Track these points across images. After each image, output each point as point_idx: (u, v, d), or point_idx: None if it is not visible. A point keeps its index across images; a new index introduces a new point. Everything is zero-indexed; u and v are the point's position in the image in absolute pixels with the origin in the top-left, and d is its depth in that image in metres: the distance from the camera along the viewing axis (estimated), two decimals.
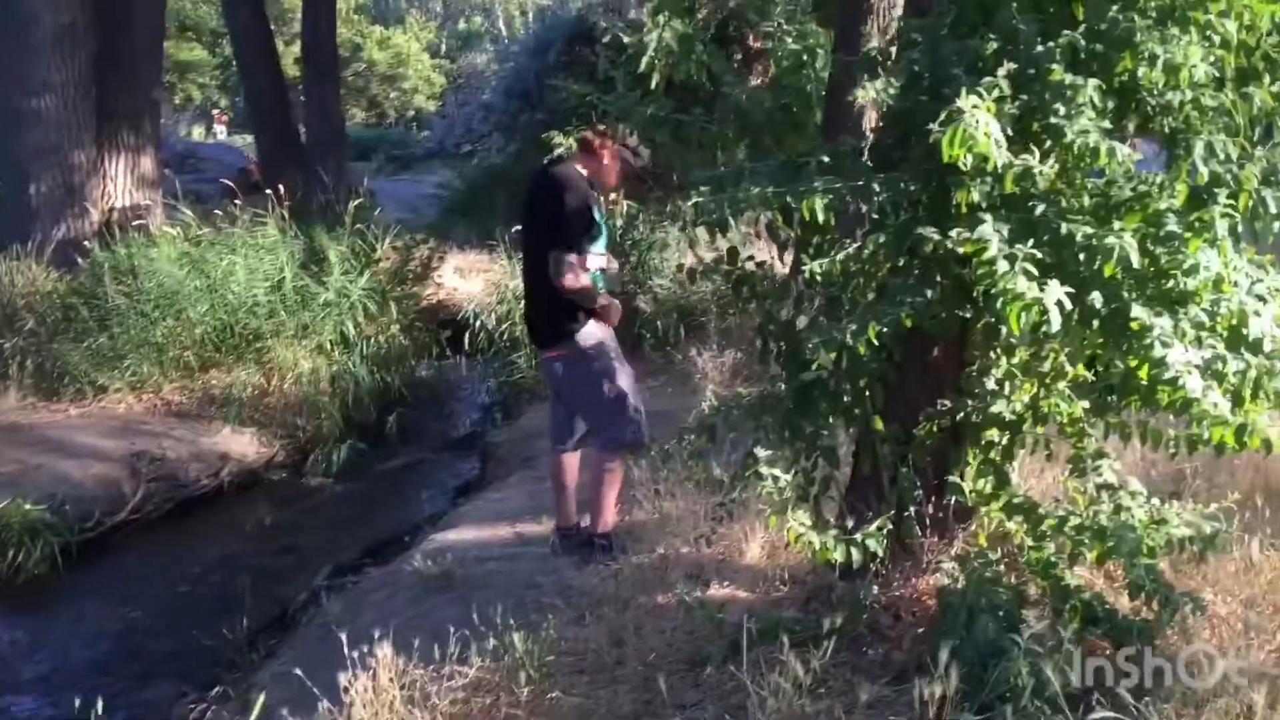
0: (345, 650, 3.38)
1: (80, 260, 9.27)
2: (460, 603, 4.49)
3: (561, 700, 3.57)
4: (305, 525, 7.20)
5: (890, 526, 3.61)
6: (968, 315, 3.44)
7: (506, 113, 16.23)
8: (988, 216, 2.98)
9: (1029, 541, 3.60)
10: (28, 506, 6.52)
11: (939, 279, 3.22)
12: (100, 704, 2.94)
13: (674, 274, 9.21)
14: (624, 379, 4.90)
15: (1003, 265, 2.83)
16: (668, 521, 5.14)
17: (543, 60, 15.39)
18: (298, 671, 3.48)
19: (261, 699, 2.93)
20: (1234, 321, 2.99)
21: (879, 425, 3.68)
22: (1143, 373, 3.02)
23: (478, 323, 9.64)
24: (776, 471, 3.43)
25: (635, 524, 5.23)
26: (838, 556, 3.46)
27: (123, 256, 8.99)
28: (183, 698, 4.63)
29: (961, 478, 3.70)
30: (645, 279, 9.08)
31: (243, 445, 8.27)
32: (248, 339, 8.90)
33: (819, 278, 3.32)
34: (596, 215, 4.80)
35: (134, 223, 9.82)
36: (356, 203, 10.42)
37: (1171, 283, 3.01)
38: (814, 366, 3.52)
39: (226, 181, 10.58)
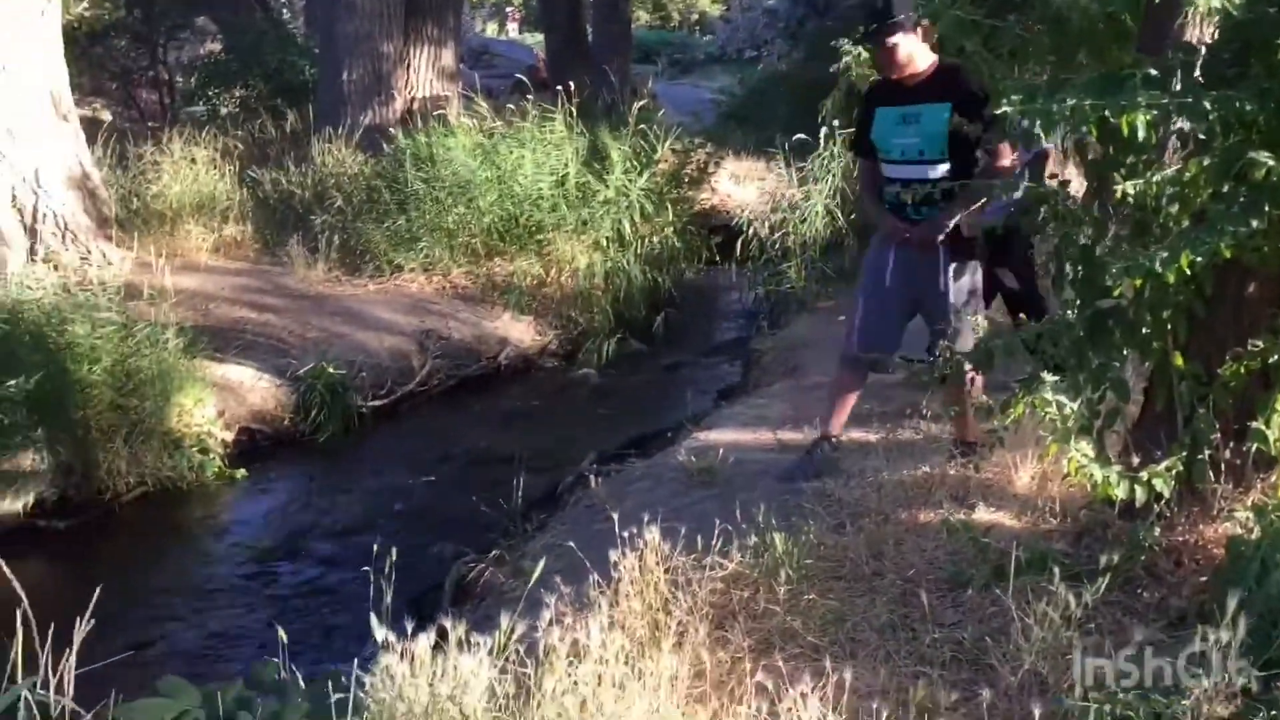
0: (615, 530, 3.54)
1: (384, 145, 9.89)
2: (721, 499, 4.60)
3: (818, 603, 3.62)
4: (573, 412, 7.53)
5: (1180, 468, 3.41)
6: None
7: (792, 18, 15.96)
8: None
9: None
10: (331, 370, 7.12)
11: (1267, 208, 2.97)
12: (394, 552, 3.20)
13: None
14: (860, 293, 4.93)
15: None
16: (934, 442, 5.08)
17: None
18: (571, 544, 3.68)
19: (541, 565, 3.10)
20: None
21: (1179, 361, 3.46)
22: None
23: (750, 230, 9.65)
24: (1062, 398, 3.30)
25: (901, 442, 5.18)
26: (1119, 493, 3.31)
27: (422, 144, 9.50)
28: (462, 556, 5.00)
29: (1267, 425, 3.45)
30: None
31: (520, 332, 8.70)
32: (530, 230, 9.29)
33: (1131, 200, 3.13)
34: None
35: (434, 112, 10.35)
36: (640, 104, 10.56)
37: None
38: (1114, 294, 3.35)
39: (520, 76, 10.94)
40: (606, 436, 6.77)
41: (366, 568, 3.32)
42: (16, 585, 2.24)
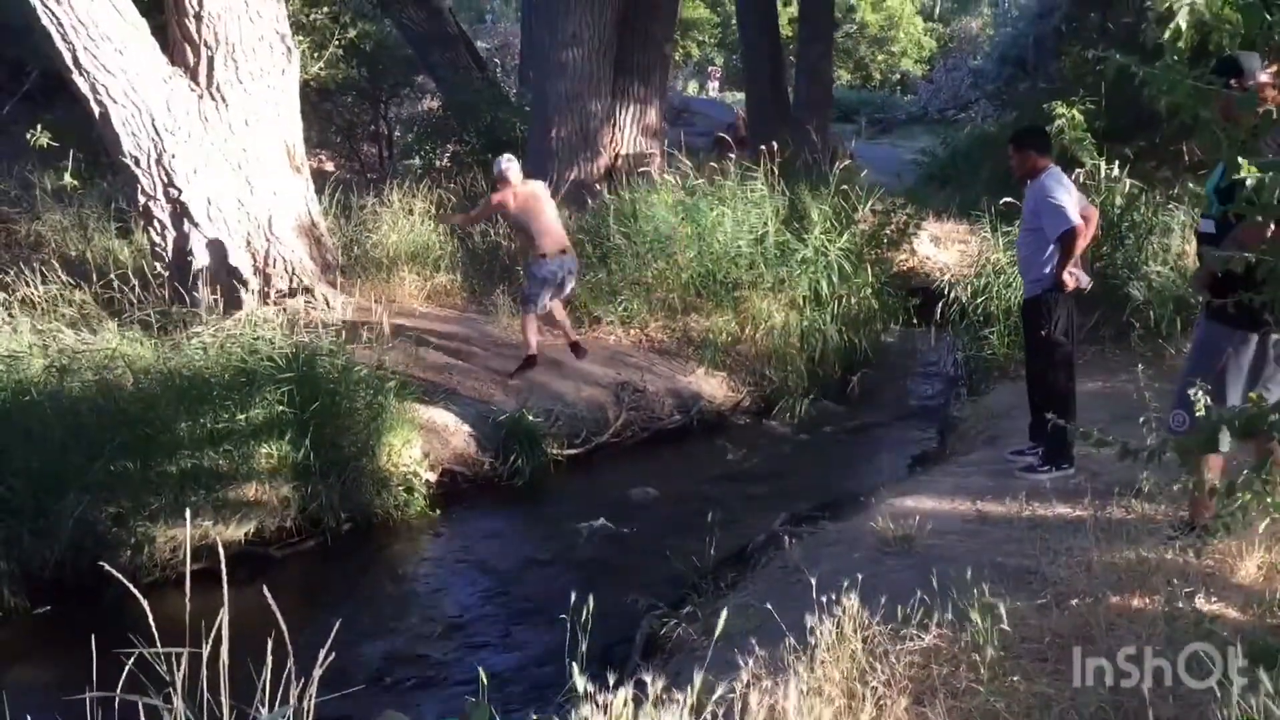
0: (809, 593, 3.51)
1: (589, 200, 10.17)
2: (919, 569, 4.49)
3: (1019, 684, 3.49)
4: (765, 471, 7.49)
5: None
6: None
7: (999, 79, 15.67)
8: None
9: None
10: (530, 417, 7.33)
11: None
12: (591, 604, 3.25)
13: (1175, 261, 8.54)
14: None
15: None
16: (1148, 522, 4.83)
17: (1044, 25, 14.66)
18: (766, 605, 3.66)
19: (723, 619, 3.10)
20: None
21: None
22: None
23: (951, 294, 9.47)
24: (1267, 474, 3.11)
25: (1113, 520, 4.95)
26: None
27: (626, 200, 9.73)
28: (654, 610, 5.03)
29: None
30: (1141, 264, 8.46)
31: (713, 387, 8.75)
32: (727, 287, 9.36)
33: None
34: None
35: (638, 169, 10.59)
36: (843, 164, 10.55)
37: None
38: None
39: (722, 135, 11.09)
40: (799, 496, 6.72)
41: (563, 615, 3.39)
42: (278, 614, 2.38)
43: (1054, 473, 5.87)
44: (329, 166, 15.40)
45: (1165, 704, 3.31)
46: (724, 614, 3.31)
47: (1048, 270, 5.87)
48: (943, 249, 12.31)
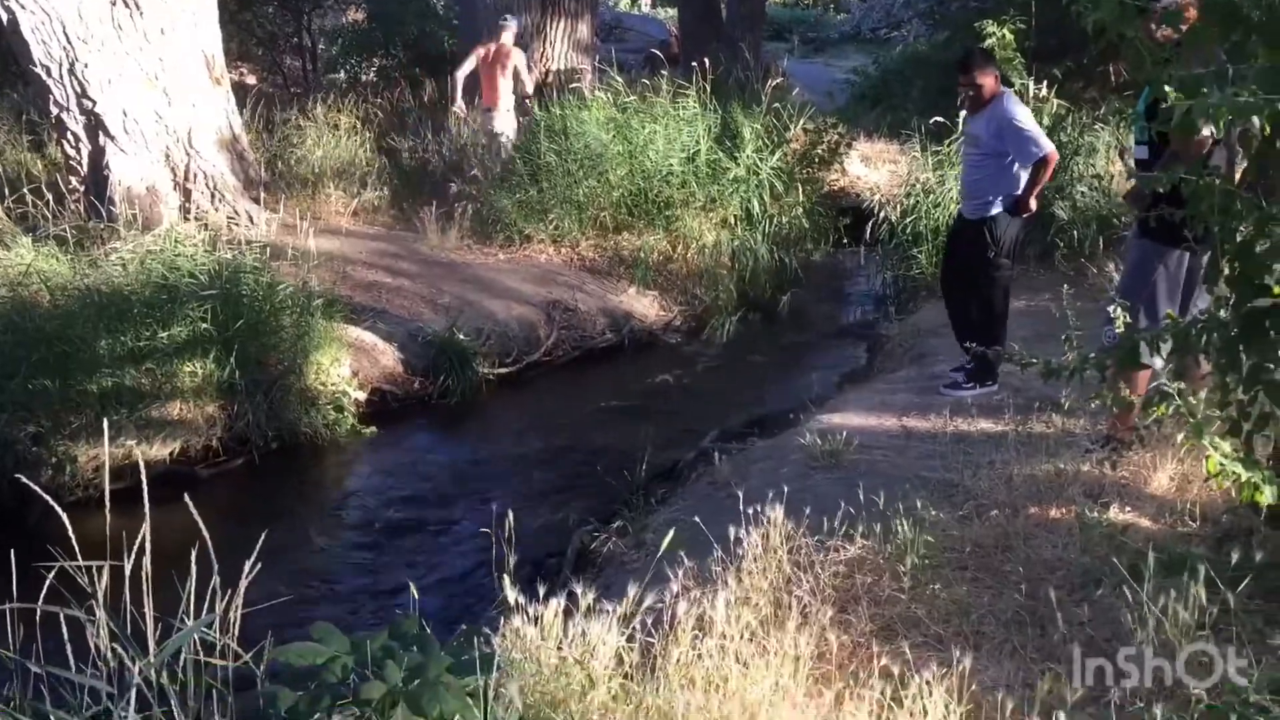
0: (738, 507, 3.57)
1: (520, 117, 10.01)
2: (845, 484, 4.57)
3: (942, 592, 3.59)
4: (695, 389, 7.54)
5: None
6: None
7: None
8: None
9: None
10: (460, 336, 7.28)
11: None
12: (511, 516, 3.27)
13: (1097, 182, 8.66)
14: None
15: None
16: (1068, 436, 4.97)
17: None
18: (695, 519, 3.71)
19: (669, 538, 3.13)
20: None
21: None
22: None
23: (880, 213, 9.52)
24: (1203, 394, 3.21)
25: (1033, 435, 5.08)
26: (1267, 497, 3.19)
27: (557, 116, 9.59)
28: (585, 525, 5.08)
29: None
30: (1067, 184, 8.57)
31: (644, 306, 8.75)
32: (659, 206, 9.32)
33: None
34: None
35: (569, 85, 10.43)
36: (775, 82, 10.48)
37: None
38: (1273, 292, 3.22)
39: (655, 51, 10.95)
40: (729, 414, 6.78)
41: (487, 529, 3.42)
42: (202, 526, 2.36)
43: (977, 390, 5.97)
44: (250, 80, 14.92)
45: (1079, 610, 3.43)
46: (664, 530, 3.35)
47: (996, 195, 5.88)
48: (873, 169, 12.34)
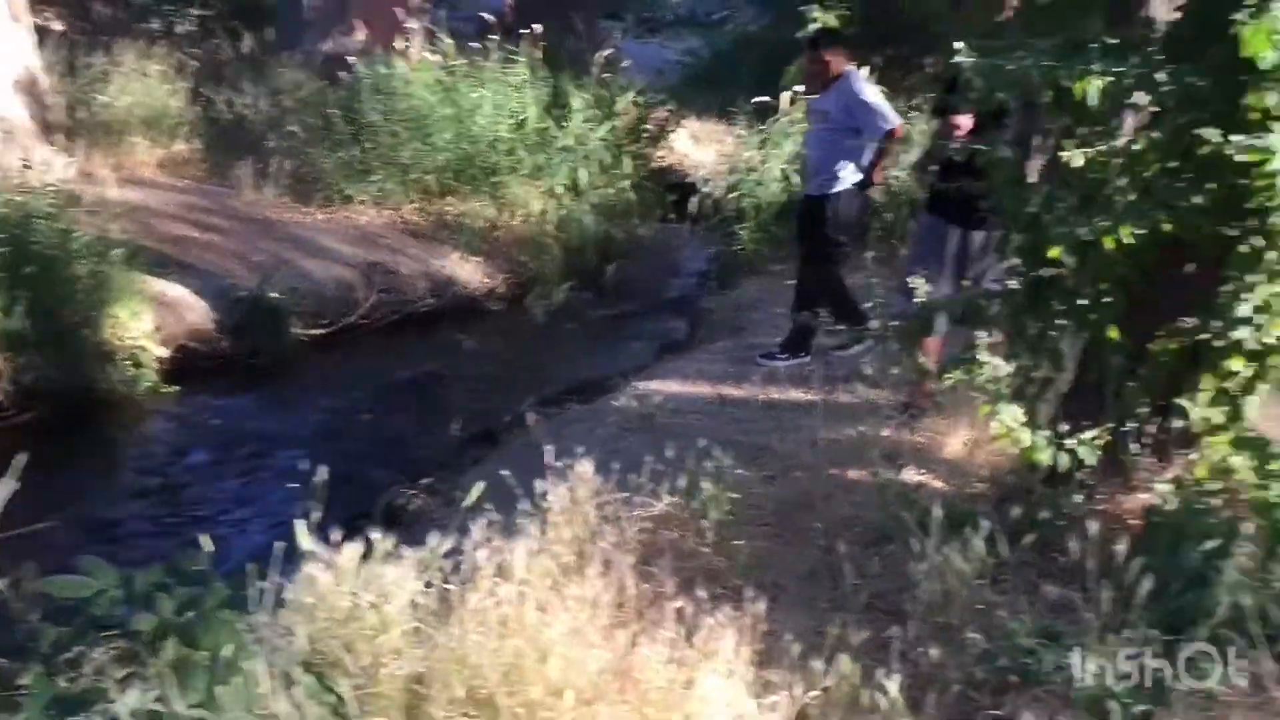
0: (548, 461, 3.56)
1: (343, 75, 9.72)
2: (657, 445, 4.59)
3: (744, 547, 3.67)
4: (517, 355, 7.52)
5: (1106, 439, 3.49)
6: (1234, 232, 3.25)
7: None
8: (1278, 127, 2.78)
9: (1253, 480, 3.44)
10: (273, 295, 7.04)
11: (1212, 186, 3.04)
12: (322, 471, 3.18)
13: (909, 169, 8.99)
14: None
15: None
16: (872, 406, 5.14)
17: None
18: (504, 472, 3.68)
19: (477, 489, 3.10)
20: None
21: (1114, 334, 3.54)
22: None
23: (705, 189, 9.66)
24: (997, 360, 3.37)
25: (841, 404, 5.23)
26: (1044, 459, 3.39)
27: (382, 75, 9.36)
28: (395, 485, 4.99)
29: (1192, 403, 3.53)
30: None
31: (468, 272, 8.64)
32: (485, 172, 9.21)
33: (1079, 169, 3.18)
34: None
35: (396, 45, 10.19)
36: (606, 53, 10.49)
37: None
38: (1052, 262, 3.41)
39: (486, 16, 10.80)
40: (549, 380, 6.77)
41: (294, 486, 3.31)
42: None
43: (790, 361, 6.11)
44: (56, 25, 14.04)
45: (871, 564, 3.56)
46: (478, 486, 3.31)
47: (842, 170, 6.00)
48: (701, 147, 12.49)
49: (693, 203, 9.78)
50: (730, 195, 9.48)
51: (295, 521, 2.86)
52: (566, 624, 2.59)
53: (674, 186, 10.82)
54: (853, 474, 4.33)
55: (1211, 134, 2.85)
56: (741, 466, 4.30)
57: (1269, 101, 2.79)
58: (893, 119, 5.88)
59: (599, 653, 2.49)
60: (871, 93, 5.97)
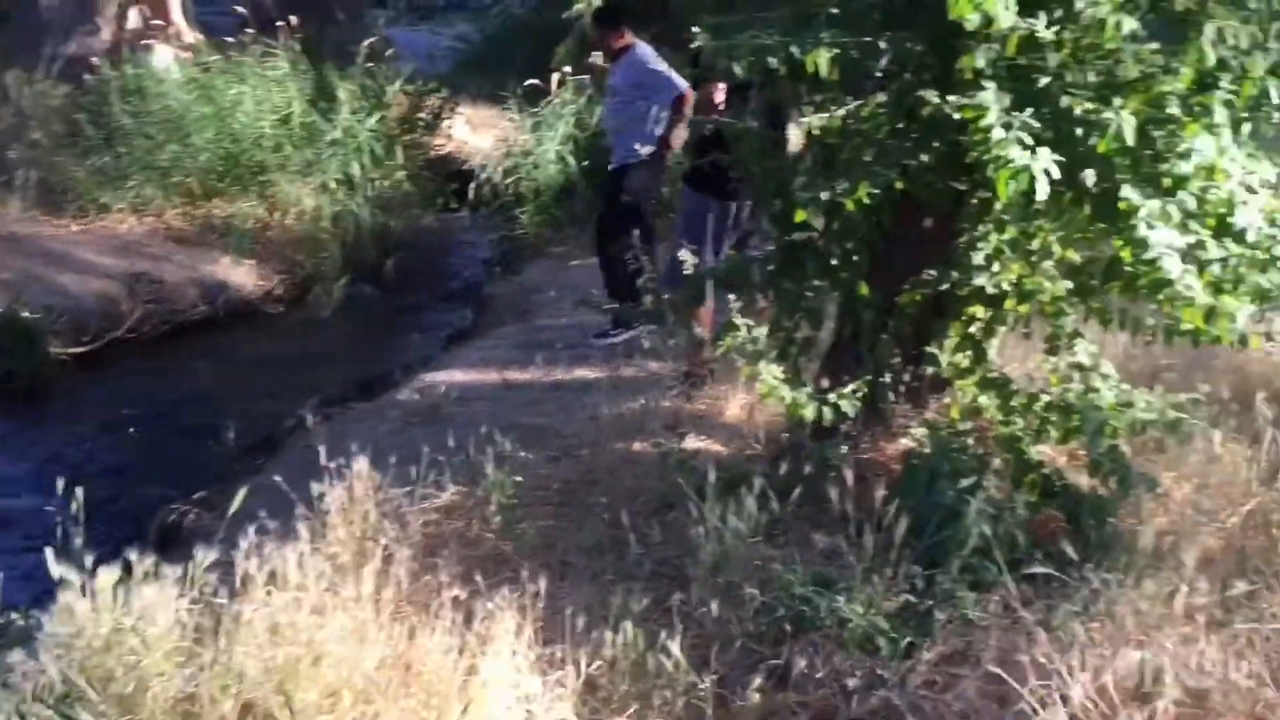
0: (323, 461, 3.48)
1: (89, 77, 9.17)
2: (442, 435, 4.56)
3: (529, 529, 3.69)
4: (298, 358, 7.29)
5: (865, 391, 3.66)
6: (963, 187, 3.46)
7: None
8: (990, 84, 2.96)
9: (998, 417, 3.68)
10: (26, 315, 6.61)
11: (936, 144, 3.22)
12: (81, 495, 3.03)
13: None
14: None
15: (998, 133, 2.84)
16: (655, 377, 5.24)
17: None
18: (277, 479, 3.58)
19: (240, 496, 3.01)
20: (1221, 210, 3.01)
21: (863, 290, 3.71)
22: (1126, 254, 3.06)
23: (483, 176, 9.60)
24: (749, 321, 3.49)
25: (623, 378, 5.31)
26: (809, 414, 3.52)
27: (131, 77, 8.89)
28: (166, 501, 4.78)
29: (941, 350, 3.75)
30: None
31: (241, 276, 8.33)
32: (252, 170, 8.88)
33: (819, 135, 3.32)
34: None
35: (144, 44, 9.69)
36: (369, 41, 10.26)
37: (1165, 166, 3.02)
38: (803, 226, 3.55)
39: (241, 10, 10.40)
40: (332, 380, 6.60)
41: (55, 510, 3.13)
42: None
43: (624, 335, 6.00)
44: None
45: (653, 532, 3.64)
46: (240, 493, 3.22)
47: (636, 142, 6.02)
48: (479, 134, 12.36)
49: (471, 189, 9.71)
50: (508, 180, 9.46)
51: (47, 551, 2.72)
52: (342, 624, 2.55)
53: (454, 174, 10.68)
54: (636, 446, 4.40)
55: (931, 95, 3.01)
56: (526, 449, 4.31)
57: (979, 62, 2.97)
58: (680, 84, 5.95)
59: (376, 650, 2.46)
60: (656, 60, 6.03)
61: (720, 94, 4.75)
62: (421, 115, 10.71)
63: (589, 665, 2.72)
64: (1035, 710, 2.46)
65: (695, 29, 3.19)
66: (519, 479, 3.89)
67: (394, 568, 2.96)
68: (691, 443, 4.35)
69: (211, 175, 8.80)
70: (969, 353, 3.77)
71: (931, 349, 3.72)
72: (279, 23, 9.85)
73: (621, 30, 6.10)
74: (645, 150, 6.07)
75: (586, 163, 9.13)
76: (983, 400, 3.73)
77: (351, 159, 9.16)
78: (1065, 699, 2.45)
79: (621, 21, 6.15)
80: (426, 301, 8.80)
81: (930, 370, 3.78)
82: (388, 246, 9.14)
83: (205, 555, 2.74)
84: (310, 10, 11.78)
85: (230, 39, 9.69)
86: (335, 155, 9.13)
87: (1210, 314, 2.95)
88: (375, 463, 3.64)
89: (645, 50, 6.12)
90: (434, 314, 8.47)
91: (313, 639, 2.46)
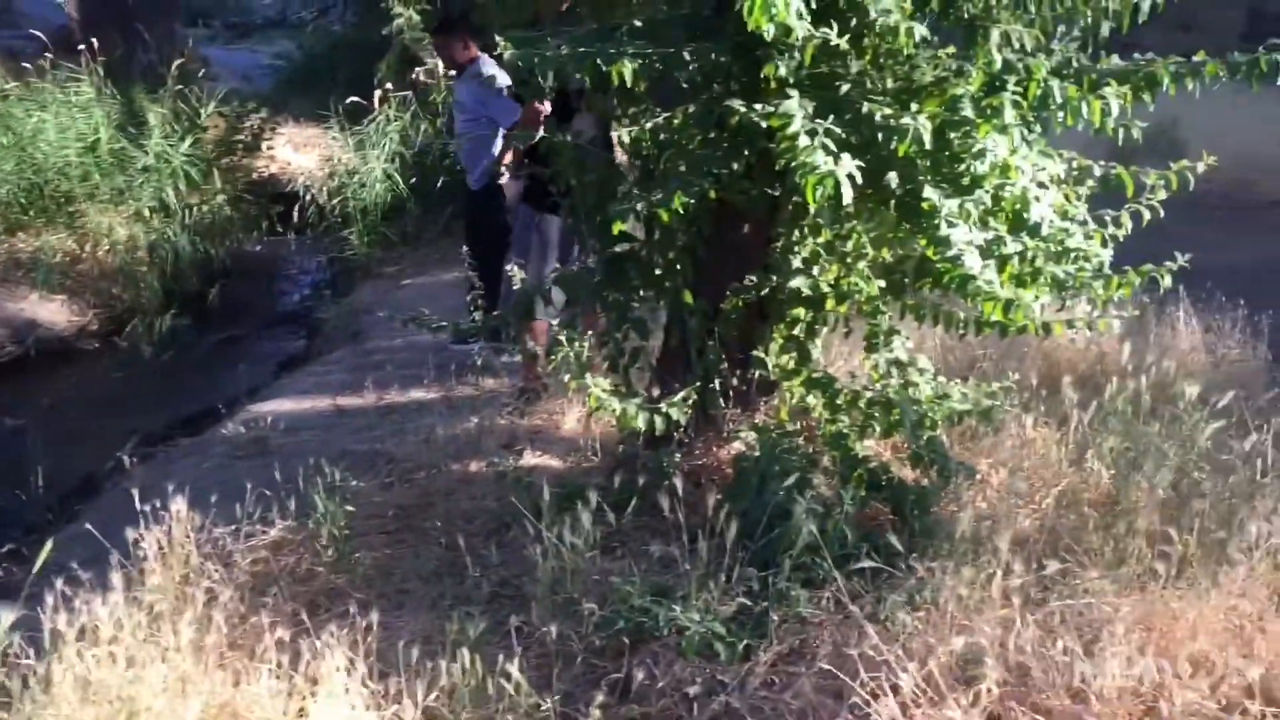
0: (139, 505, 3.32)
1: None
2: (270, 469, 4.43)
3: (364, 559, 3.60)
4: (117, 396, 6.98)
5: (695, 397, 3.70)
6: (776, 193, 3.53)
7: None
8: (794, 93, 3.03)
9: (825, 415, 3.76)
10: None
11: (746, 153, 3.28)
12: None
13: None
14: None
15: (803, 140, 2.90)
16: (490, 395, 5.19)
17: None
18: (88, 527, 3.41)
19: (47, 547, 2.84)
20: (1016, 206, 3.15)
21: (688, 299, 3.75)
22: (930, 252, 3.17)
23: (308, 197, 9.37)
24: (572, 334, 3.48)
25: (459, 398, 5.25)
26: (640, 424, 3.53)
27: None
28: None
29: (766, 353, 3.81)
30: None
31: (52, 313, 7.92)
32: (58, 201, 8.47)
33: (628, 147, 3.34)
34: None
35: None
36: (179, 62, 9.90)
37: (963, 166, 3.13)
38: (625, 237, 3.56)
39: (38, 34, 9.91)
40: (155, 417, 6.33)
41: None
42: None
43: (483, 343, 5.81)
44: None
45: (491, 553, 3.60)
46: (48, 544, 3.04)
47: (487, 161, 5.88)
48: (303, 154, 12.08)
49: (297, 211, 9.46)
50: (335, 200, 9.26)
51: None
52: (161, 676, 2.43)
53: (278, 197, 10.39)
54: (473, 466, 4.35)
55: (738, 104, 3.06)
56: (359, 477, 4.21)
57: (781, 70, 3.03)
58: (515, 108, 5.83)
59: (198, 701, 2.35)
60: (502, 77, 5.88)
61: (545, 108, 4.73)
62: (240, 137, 10.43)
63: (426, 696, 2.66)
64: (867, 702, 2.51)
65: (500, 40, 3.17)
66: (351, 508, 3.78)
67: (216, 612, 2.85)
68: (528, 459, 4.33)
69: (14, 208, 8.34)
70: (794, 354, 3.85)
71: (757, 353, 3.78)
72: (81, 46, 9.41)
73: (465, 40, 5.98)
74: (493, 171, 5.98)
75: (414, 180, 9.01)
76: (809, 400, 3.81)
77: (166, 185, 8.82)
78: (895, 689, 2.51)
79: (462, 33, 6.03)
80: (254, 330, 8.53)
81: (758, 373, 3.84)
82: (211, 275, 8.83)
83: (9, 613, 2.58)
84: (115, 32, 11.33)
85: (28, 65, 9.18)
86: (148, 182, 8.78)
87: (1009, 306, 3.08)
88: (198, 501, 3.49)
89: (488, 65, 5.99)
90: (262, 342, 8.21)
91: (128, 694, 2.33)
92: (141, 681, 2.40)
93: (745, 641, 2.91)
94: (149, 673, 2.47)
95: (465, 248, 5.59)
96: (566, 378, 3.54)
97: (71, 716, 2.32)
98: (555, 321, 3.77)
